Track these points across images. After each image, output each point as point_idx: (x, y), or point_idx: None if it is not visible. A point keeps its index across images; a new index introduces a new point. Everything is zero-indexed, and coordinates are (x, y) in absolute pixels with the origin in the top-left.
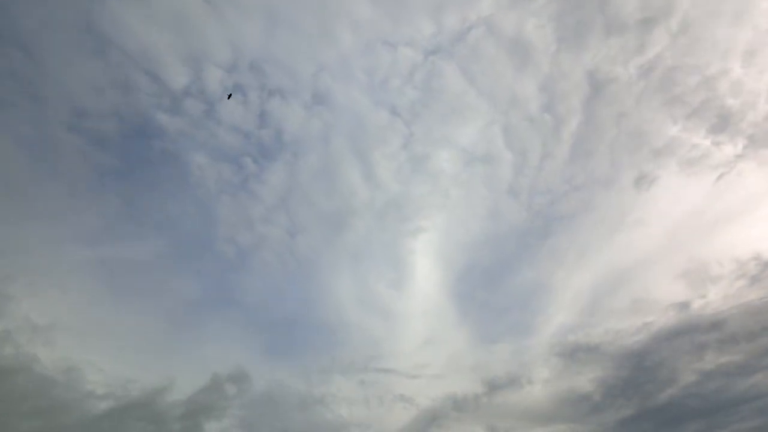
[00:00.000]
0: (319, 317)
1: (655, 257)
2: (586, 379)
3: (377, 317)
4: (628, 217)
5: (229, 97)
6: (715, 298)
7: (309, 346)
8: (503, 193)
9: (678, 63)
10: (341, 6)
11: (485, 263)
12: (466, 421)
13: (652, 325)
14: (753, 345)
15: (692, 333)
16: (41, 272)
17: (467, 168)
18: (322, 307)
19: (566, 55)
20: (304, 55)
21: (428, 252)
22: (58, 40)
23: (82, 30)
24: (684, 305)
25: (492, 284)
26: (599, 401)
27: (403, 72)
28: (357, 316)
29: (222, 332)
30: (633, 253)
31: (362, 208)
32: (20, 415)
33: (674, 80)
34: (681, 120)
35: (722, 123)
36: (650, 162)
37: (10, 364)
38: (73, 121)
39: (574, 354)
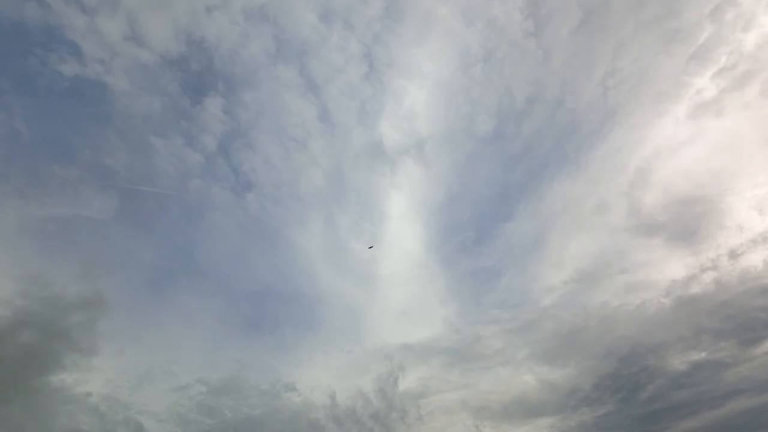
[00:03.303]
0: (291, 287)
1: (657, 222)
2: (577, 367)
3: (353, 282)
4: (625, 173)
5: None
6: (720, 275)
7: (281, 321)
8: (488, 141)
9: None
10: None
11: (466, 222)
12: (452, 410)
13: (651, 305)
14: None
15: (691, 316)
16: None
17: (444, 105)
18: (293, 274)
19: None
20: None
21: (404, 208)
22: None
23: None
24: (686, 282)
25: (475, 247)
26: (589, 392)
27: None
28: (331, 282)
29: (187, 308)
30: (632, 215)
31: (321, 157)
32: None
33: (674, 11)
34: (683, 59)
35: (731, 64)
36: (650, 107)
37: None
38: None
39: (568, 337)
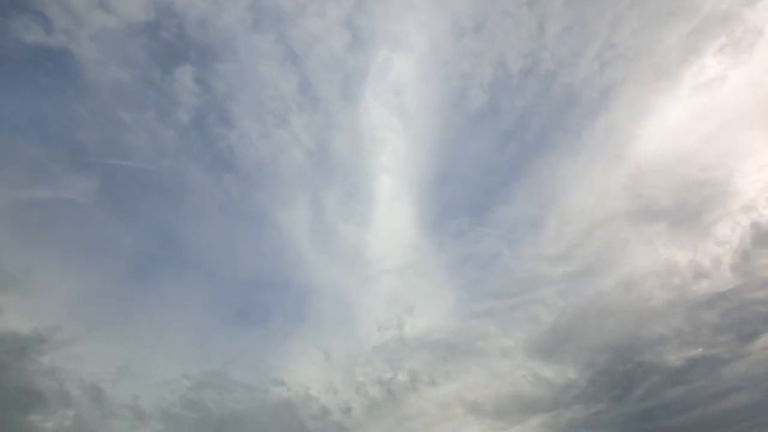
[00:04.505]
0: (279, 274)
1: (659, 206)
2: (573, 362)
3: (344, 268)
4: (625, 154)
5: None
6: (723, 265)
7: (270, 311)
8: (481, 116)
9: None
10: None
11: (460, 203)
12: (447, 404)
13: (650, 296)
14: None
15: (690, 309)
16: None
17: (433, 78)
18: (281, 261)
19: None
20: None
21: (394, 188)
22: None
23: None
24: (688, 273)
25: (470, 230)
26: (585, 387)
27: None
28: (321, 268)
29: (172, 298)
30: (633, 199)
31: (303, 133)
32: None
33: None
34: (684, 34)
35: (734, 39)
36: (649, 84)
37: None
38: None
39: (565, 329)
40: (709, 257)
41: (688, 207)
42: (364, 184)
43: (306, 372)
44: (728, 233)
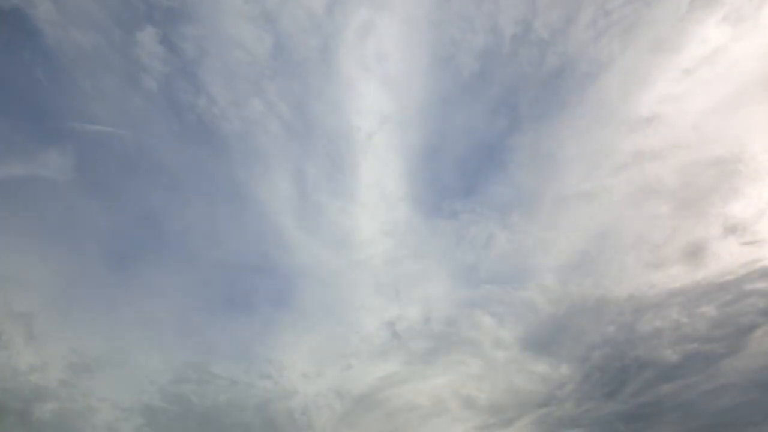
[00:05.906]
0: (264, 258)
1: (662, 188)
2: (569, 357)
3: (331, 250)
4: (623, 132)
5: None
6: (725, 253)
7: (256, 298)
8: (472, 86)
9: None
10: None
11: (451, 180)
12: (440, 398)
13: (650, 287)
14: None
15: (689, 300)
16: None
17: (417, 45)
18: (266, 243)
19: None
20: None
21: (379, 164)
22: None
23: None
24: (688, 262)
25: (464, 211)
26: (581, 383)
27: None
28: (307, 250)
29: (154, 285)
30: (633, 180)
31: (279, 102)
32: None
33: None
34: (685, 2)
35: (737, 7)
36: (647, 56)
37: None
38: None
39: (564, 320)
40: (712, 244)
41: (692, 187)
42: (349, 159)
43: (292, 362)
44: (733, 218)
